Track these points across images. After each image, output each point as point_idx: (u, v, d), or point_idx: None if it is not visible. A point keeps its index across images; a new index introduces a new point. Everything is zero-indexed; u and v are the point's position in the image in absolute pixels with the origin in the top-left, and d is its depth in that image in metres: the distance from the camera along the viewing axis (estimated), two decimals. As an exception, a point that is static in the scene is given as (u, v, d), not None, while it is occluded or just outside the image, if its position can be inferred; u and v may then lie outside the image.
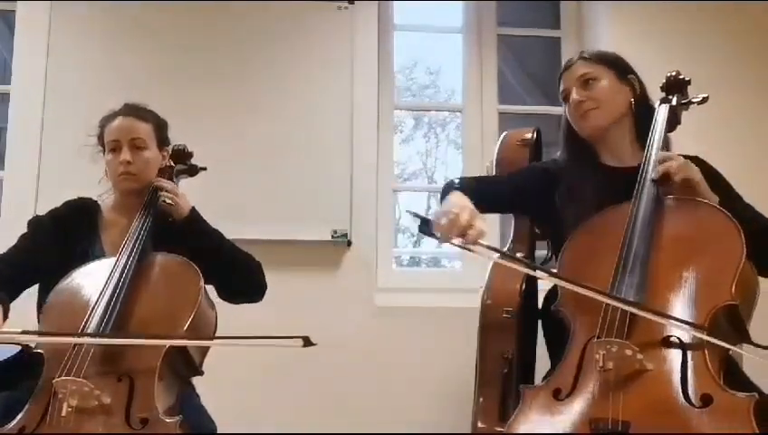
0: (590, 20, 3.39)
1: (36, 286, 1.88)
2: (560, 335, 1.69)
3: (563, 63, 1.93)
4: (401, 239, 4.57)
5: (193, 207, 1.91)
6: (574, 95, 1.82)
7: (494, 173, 2.40)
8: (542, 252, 2.30)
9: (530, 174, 1.97)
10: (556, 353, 1.82)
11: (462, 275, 3.26)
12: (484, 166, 3.21)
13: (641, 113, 1.84)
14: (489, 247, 1.50)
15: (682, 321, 1.42)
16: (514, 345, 1.97)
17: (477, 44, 3.41)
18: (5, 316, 1.66)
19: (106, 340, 1.56)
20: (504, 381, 1.95)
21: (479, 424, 1.96)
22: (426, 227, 1.53)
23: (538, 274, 1.72)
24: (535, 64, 3.68)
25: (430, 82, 4.67)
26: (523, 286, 1.99)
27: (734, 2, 3.23)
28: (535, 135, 2.33)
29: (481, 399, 1.98)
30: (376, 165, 3.13)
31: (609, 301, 1.46)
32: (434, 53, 4.25)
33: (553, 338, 1.95)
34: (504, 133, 2.43)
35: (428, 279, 3.37)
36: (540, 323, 2.03)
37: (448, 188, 1.74)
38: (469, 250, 1.50)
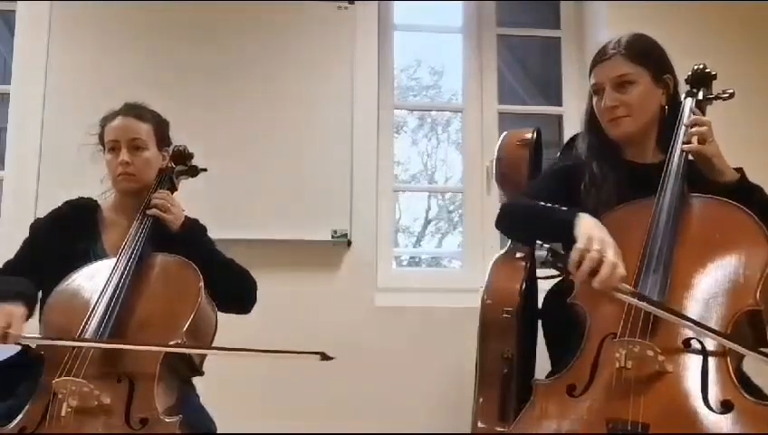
0: (590, 20, 3.38)
1: None
2: (560, 335, 1.68)
3: (599, 49, 1.80)
4: (401, 239, 4.57)
5: (186, 219, 1.88)
6: (607, 100, 1.74)
7: (494, 173, 2.40)
8: (541, 252, 2.29)
9: (551, 183, 1.85)
10: (557, 353, 1.82)
11: (462, 275, 3.26)
12: (484, 166, 3.22)
13: (670, 114, 1.79)
14: (632, 292, 1.39)
15: (706, 328, 1.38)
16: (514, 345, 1.97)
17: (477, 44, 3.40)
18: (30, 314, 1.68)
19: (120, 345, 1.56)
20: (503, 381, 1.95)
21: (479, 424, 1.96)
22: (558, 261, 1.43)
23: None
24: (535, 64, 3.68)
25: (433, 83, 4.68)
26: (523, 286, 1.99)
27: (734, 2, 3.23)
28: (535, 135, 2.32)
29: (481, 399, 1.98)
30: (376, 165, 3.13)
31: (637, 303, 1.41)
32: (437, 53, 4.27)
33: (554, 338, 1.95)
34: (504, 133, 2.42)
35: (428, 279, 3.37)
36: (540, 322, 2.03)
37: (540, 209, 1.65)
38: (611, 295, 1.41)
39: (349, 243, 3.04)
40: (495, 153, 2.37)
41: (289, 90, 3.10)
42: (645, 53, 1.77)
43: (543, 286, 2.04)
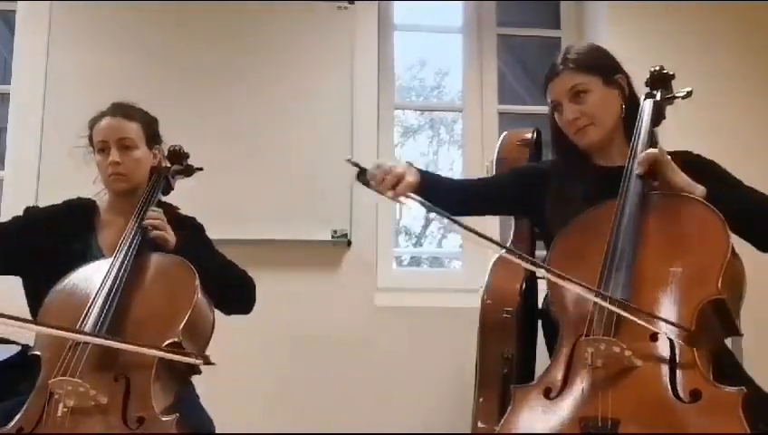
0: (590, 20, 3.38)
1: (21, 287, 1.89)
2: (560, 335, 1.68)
3: (548, 68, 1.87)
4: (401, 239, 4.57)
5: (178, 239, 1.85)
6: (567, 113, 1.79)
7: (494, 173, 2.40)
8: (542, 252, 2.29)
9: (518, 172, 2.01)
10: (555, 353, 1.83)
11: (462, 275, 3.26)
12: (484, 166, 3.22)
13: (630, 112, 1.82)
14: (421, 202, 1.55)
15: (667, 321, 1.41)
16: (514, 345, 1.97)
17: (477, 44, 3.41)
18: None
19: (88, 338, 1.55)
20: (504, 381, 1.95)
21: (479, 424, 1.96)
22: (363, 176, 1.62)
23: (493, 247, 1.61)
24: (535, 64, 3.68)
25: (437, 83, 4.67)
26: (523, 286, 1.99)
27: (736, 1, 3.23)
28: (535, 135, 2.33)
29: (481, 399, 1.98)
30: (376, 165, 3.13)
31: (596, 299, 1.45)
32: (437, 53, 4.26)
33: (553, 338, 1.94)
34: (503, 133, 2.43)
35: (428, 279, 3.37)
36: (540, 322, 2.03)
37: None
38: (399, 202, 1.57)
39: (349, 243, 3.04)
40: (495, 153, 2.37)
41: (289, 89, 3.10)
42: (590, 60, 1.82)
43: (543, 286, 2.04)
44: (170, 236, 1.82)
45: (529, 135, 2.33)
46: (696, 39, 3.14)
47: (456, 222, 1.52)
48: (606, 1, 3.26)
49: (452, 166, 4.82)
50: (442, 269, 4.02)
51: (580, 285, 1.45)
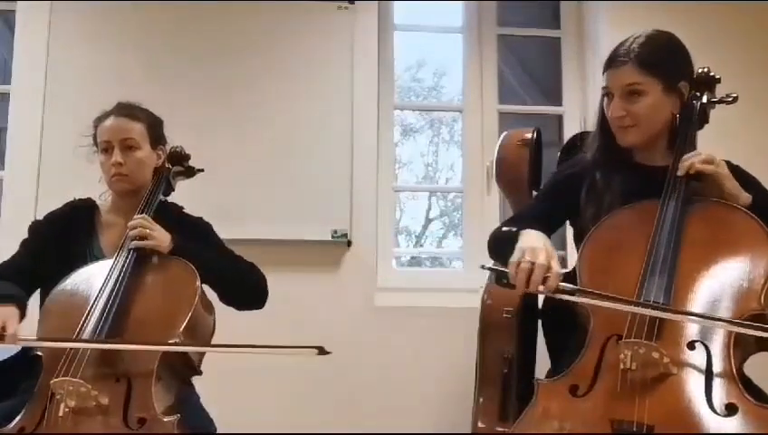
0: (590, 20, 3.38)
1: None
2: (560, 335, 1.68)
3: (613, 50, 1.73)
4: (401, 239, 4.58)
5: (174, 240, 1.81)
6: (614, 109, 1.70)
7: (494, 173, 2.41)
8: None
9: (556, 191, 1.88)
10: (557, 353, 1.82)
11: (462, 275, 3.26)
12: (485, 166, 3.22)
13: (681, 119, 1.75)
14: (576, 289, 1.46)
15: (714, 318, 1.40)
16: (514, 345, 1.98)
17: (477, 44, 3.40)
18: (23, 315, 1.65)
19: (119, 346, 1.55)
20: (504, 381, 1.95)
21: (479, 424, 1.97)
22: (505, 279, 1.48)
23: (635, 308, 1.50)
24: (535, 64, 3.68)
25: (434, 84, 4.68)
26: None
27: (736, 2, 3.22)
28: (535, 135, 2.34)
29: (481, 399, 1.99)
30: (376, 165, 3.13)
31: (638, 310, 1.43)
32: (437, 53, 4.27)
33: (554, 338, 1.95)
34: (504, 133, 2.43)
35: (428, 279, 3.37)
36: (540, 322, 2.03)
37: (502, 234, 1.68)
38: (554, 297, 1.46)
39: (349, 243, 3.04)
40: (496, 153, 2.38)
41: (289, 90, 3.10)
42: (657, 60, 1.70)
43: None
44: (157, 241, 1.77)
45: (529, 135, 2.33)
46: (697, 39, 3.12)
47: (613, 299, 1.43)
48: (606, 1, 3.26)
49: (452, 166, 4.83)
50: (442, 269, 4.03)
51: (624, 301, 1.43)
